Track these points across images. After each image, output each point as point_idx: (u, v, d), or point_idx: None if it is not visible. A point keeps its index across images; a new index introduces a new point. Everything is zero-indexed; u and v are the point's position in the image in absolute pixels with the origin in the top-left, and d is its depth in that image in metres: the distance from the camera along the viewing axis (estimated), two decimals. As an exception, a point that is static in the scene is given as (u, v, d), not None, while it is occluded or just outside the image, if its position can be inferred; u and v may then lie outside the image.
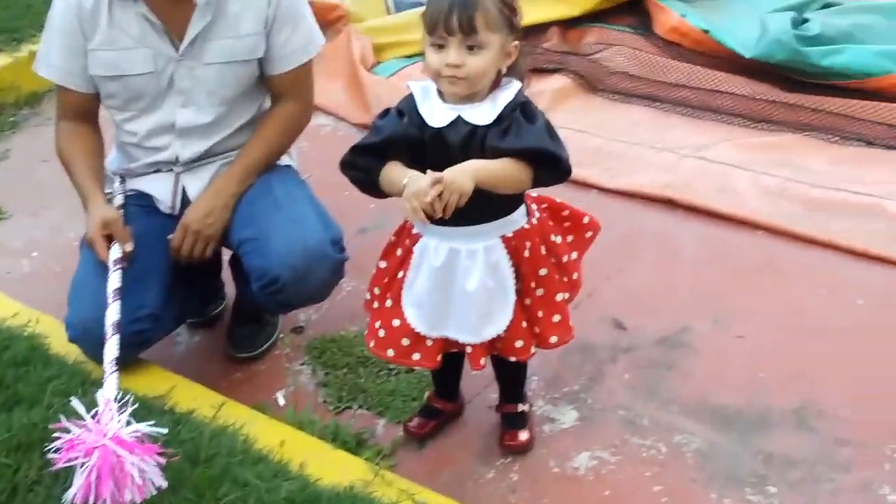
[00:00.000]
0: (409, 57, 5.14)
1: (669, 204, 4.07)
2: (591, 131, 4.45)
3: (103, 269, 2.88)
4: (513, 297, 2.60)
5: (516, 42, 2.46)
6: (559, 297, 2.69)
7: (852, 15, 4.99)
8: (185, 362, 3.38)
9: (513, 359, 2.72)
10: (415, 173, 2.42)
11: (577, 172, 2.65)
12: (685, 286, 3.63)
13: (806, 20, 4.86)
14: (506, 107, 2.44)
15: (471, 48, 2.36)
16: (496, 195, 2.46)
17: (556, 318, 2.70)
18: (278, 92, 3.18)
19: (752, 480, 2.82)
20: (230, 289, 3.51)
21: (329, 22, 5.35)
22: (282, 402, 3.18)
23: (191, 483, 2.57)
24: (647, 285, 3.63)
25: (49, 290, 3.62)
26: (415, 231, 2.61)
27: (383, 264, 2.71)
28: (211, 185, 3.10)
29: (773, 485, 2.81)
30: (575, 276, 2.77)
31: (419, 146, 2.50)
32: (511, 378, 2.95)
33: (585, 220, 2.77)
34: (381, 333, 2.70)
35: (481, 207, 2.46)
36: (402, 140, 2.50)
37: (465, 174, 2.35)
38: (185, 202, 3.13)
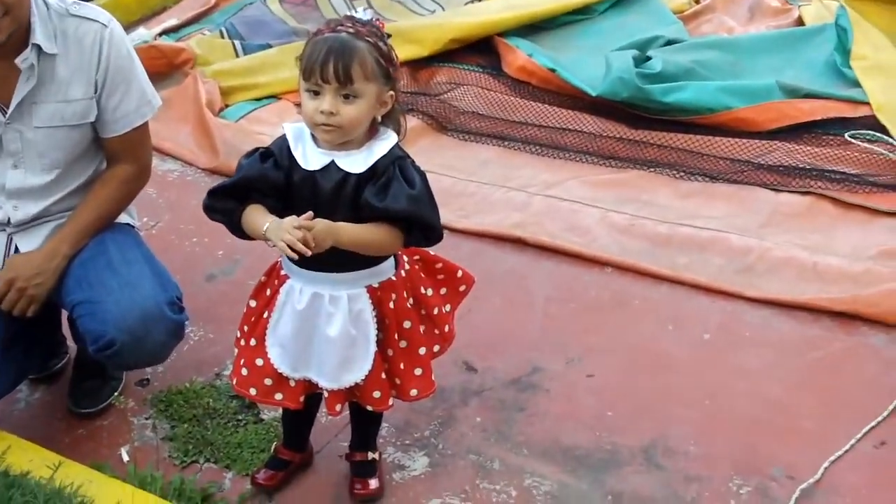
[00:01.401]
0: (258, 100, 5.08)
1: (519, 243, 4.08)
2: (442, 171, 4.44)
3: None
4: (373, 348, 2.58)
5: (392, 92, 2.46)
6: (422, 350, 2.69)
7: (693, 52, 5.12)
8: (26, 420, 3.26)
9: (370, 408, 2.70)
10: (274, 220, 2.40)
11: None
12: (536, 326, 3.64)
13: (648, 58, 4.96)
14: (381, 158, 2.44)
15: (346, 97, 2.36)
16: None
17: (418, 371, 2.70)
18: (113, 154, 3.09)
19: (602, 521, 2.83)
20: (72, 342, 3.40)
21: (176, 65, 5.27)
22: (125, 458, 3.08)
23: (23, 550, 2.47)
24: (498, 326, 3.63)
25: None
26: (283, 272, 2.59)
27: (252, 303, 2.69)
28: (43, 244, 3.00)
29: (623, 524, 2.82)
30: (447, 328, 2.78)
31: (284, 188, 2.48)
32: (365, 426, 2.92)
33: (459, 273, 2.80)
34: (244, 372, 2.68)
35: (348, 256, 2.46)
36: (260, 182, 2.48)
37: (331, 235, 2.37)
38: None
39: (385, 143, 2.47)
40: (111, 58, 2.97)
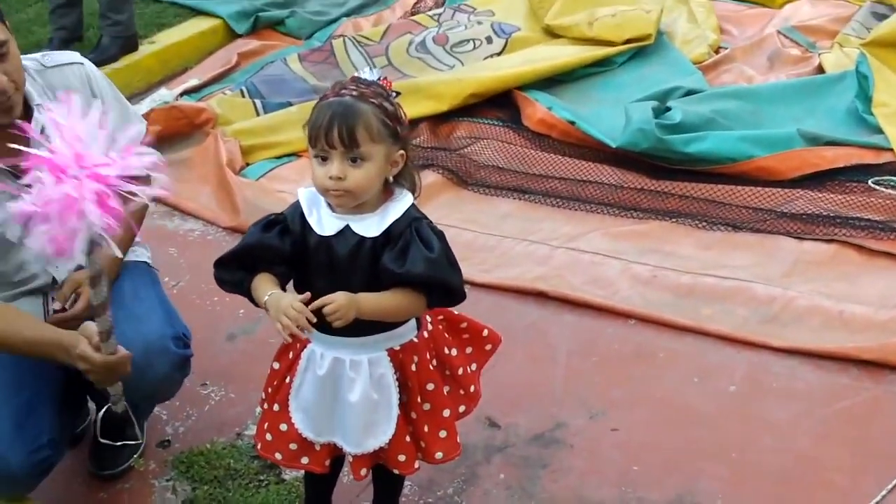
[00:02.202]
0: (278, 158, 5.10)
1: (541, 297, 4.05)
2: (462, 225, 4.44)
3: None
4: (396, 412, 2.53)
5: (402, 151, 2.41)
6: (446, 412, 2.61)
7: (713, 101, 5.11)
8: (46, 484, 3.19)
9: (396, 471, 2.63)
10: (275, 295, 2.38)
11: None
12: (559, 380, 3.61)
13: (668, 108, 4.95)
14: (396, 221, 2.39)
15: (353, 160, 2.32)
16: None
17: (443, 433, 2.61)
18: None
19: (628, 579, 2.79)
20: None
21: (197, 125, 5.30)
22: (148, 523, 3.07)
23: None
24: (521, 381, 3.60)
25: None
26: (304, 335, 2.50)
27: (276, 365, 2.63)
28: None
29: (650, 582, 2.77)
30: (472, 388, 2.70)
31: (291, 256, 2.44)
32: (388, 488, 2.87)
33: (485, 332, 2.73)
34: (269, 437, 2.62)
35: (365, 322, 2.40)
36: (262, 251, 2.44)
37: (352, 308, 2.33)
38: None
39: (400, 204, 2.41)
40: (101, 88, 2.99)
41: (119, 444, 3.22)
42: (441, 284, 2.41)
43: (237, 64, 6.12)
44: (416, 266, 2.35)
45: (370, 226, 2.39)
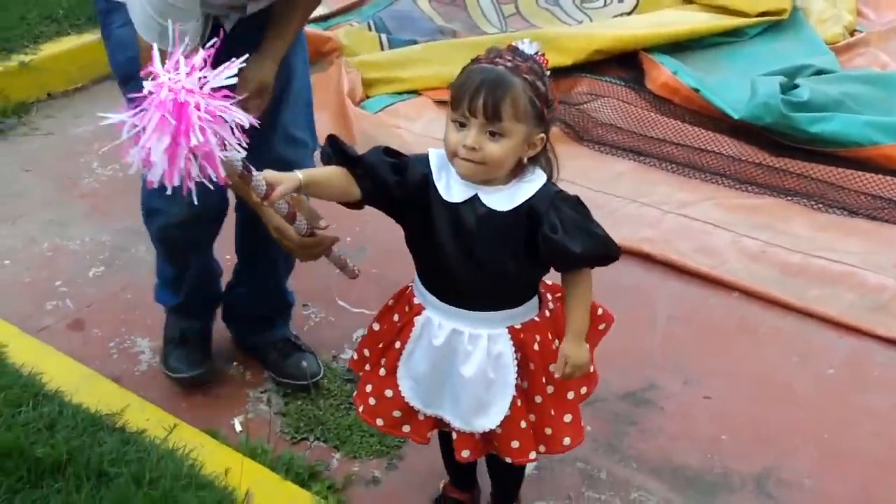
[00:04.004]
0: (398, 94, 5.13)
1: (647, 259, 4.03)
2: (574, 180, 4.38)
3: None
4: (511, 392, 2.36)
5: (543, 134, 2.24)
6: (570, 394, 2.48)
7: (843, 84, 4.99)
8: (146, 381, 3.32)
9: (508, 460, 2.47)
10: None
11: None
12: (656, 343, 3.59)
13: (796, 86, 4.86)
14: (536, 198, 2.23)
15: (492, 134, 2.16)
16: (506, 283, 2.34)
17: (568, 417, 2.48)
18: None
19: (706, 544, 2.78)
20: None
21: (322, 53, 5.35)
22: (238, 428, 3.12)
23: (133, 504, 2.52)
24: (618, 340, 3.50)
25: (15, 300, 3.58)
26: (416, 300, 2.43)
27: (377, 327, 2.54)
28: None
29: (728, 550, 2.77)
30: (591, 368, 2.51)
31: (392, 196, 2.31)
32: (504, 479, 2.77)
33: (599, 311, 2.58)
34: (372, 401, 2.52)
35: (488, 295, 2.33)
36: (371, 167, 2.30)
37: (581, 347, 2.36)
38: None
39: (531, 184, 2.25)
40: None
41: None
42: (605, 257, 2.32)
43: (366, -3, 6.14)
44: (586, 245, 2.24)
45: (500, 199, 2.25)
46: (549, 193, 2.25)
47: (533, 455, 2.45)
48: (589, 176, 4.52)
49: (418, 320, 2.40)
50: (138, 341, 3.49)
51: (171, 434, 2.85)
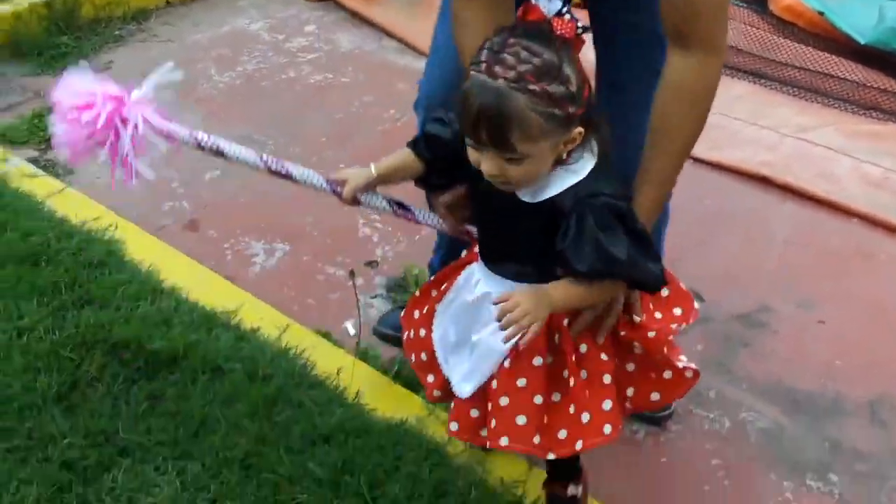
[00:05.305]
0: (516, 9, 5.07)
1: (765, 182, 3.97)
2: (692, 101, 4.35)
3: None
4: (494, 360, 2.10)
5: (580, 129, 1.90)
6: (607, 378, 2.13)
7: (976, 9, 4.82)
8: (262, 282, 3.37)
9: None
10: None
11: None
12: (771, 266, 3.54)
13: (927, 11, 4.71)
14: (565, 195, 1.95)
15: (510, 160, 1.87)
16: (535, 265, 2.05)
17: (608, 404, 2.13)
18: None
19: (814, 467, 2.74)
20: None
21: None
22: (351, 331, 3.14)
23: (247, 398, 2.58)
24: (732, 260, 3.54)
25: (134, 200, 3.64)
26: (476, 249, 2.22)
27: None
28: None
29: (836, 473, 2.73)
30: (651, 334, 2.14)
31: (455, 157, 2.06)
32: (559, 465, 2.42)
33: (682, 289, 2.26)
34: (411, 334, 2.38)
35: (521, 270, 2.08)
36: (434, 152, 2.19)
37: (541, 305, 1.96)
38: None
39: (572, 176, 1.96)
40: None
41: None
42: (633, 279, 2.00)
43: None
44: (584, 263, 1.92)
45: (529, 190, 1.99)
46: (581, 193, 1.94)
47: (551, 456, 2.15)
48: (707, 97, 4.44)
49: (465, 270, 2.23)
50: (252, 244, 3.54)
51: (284, 333, 2.89)
